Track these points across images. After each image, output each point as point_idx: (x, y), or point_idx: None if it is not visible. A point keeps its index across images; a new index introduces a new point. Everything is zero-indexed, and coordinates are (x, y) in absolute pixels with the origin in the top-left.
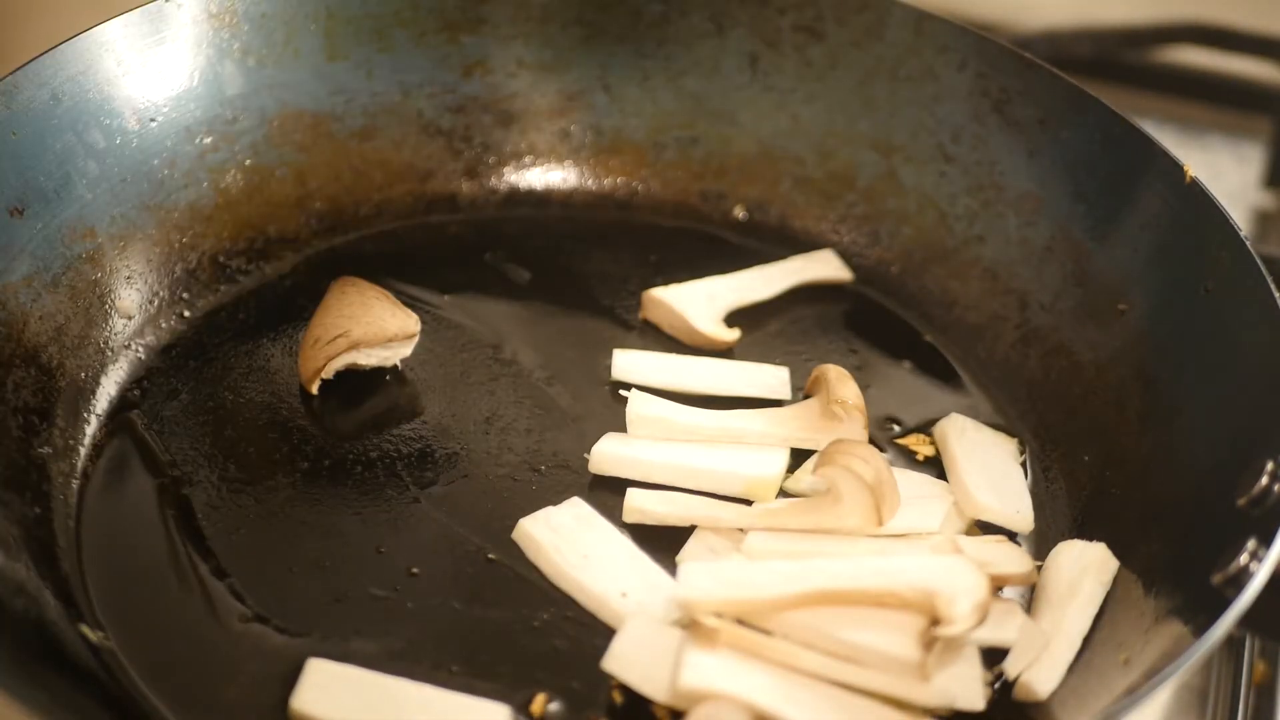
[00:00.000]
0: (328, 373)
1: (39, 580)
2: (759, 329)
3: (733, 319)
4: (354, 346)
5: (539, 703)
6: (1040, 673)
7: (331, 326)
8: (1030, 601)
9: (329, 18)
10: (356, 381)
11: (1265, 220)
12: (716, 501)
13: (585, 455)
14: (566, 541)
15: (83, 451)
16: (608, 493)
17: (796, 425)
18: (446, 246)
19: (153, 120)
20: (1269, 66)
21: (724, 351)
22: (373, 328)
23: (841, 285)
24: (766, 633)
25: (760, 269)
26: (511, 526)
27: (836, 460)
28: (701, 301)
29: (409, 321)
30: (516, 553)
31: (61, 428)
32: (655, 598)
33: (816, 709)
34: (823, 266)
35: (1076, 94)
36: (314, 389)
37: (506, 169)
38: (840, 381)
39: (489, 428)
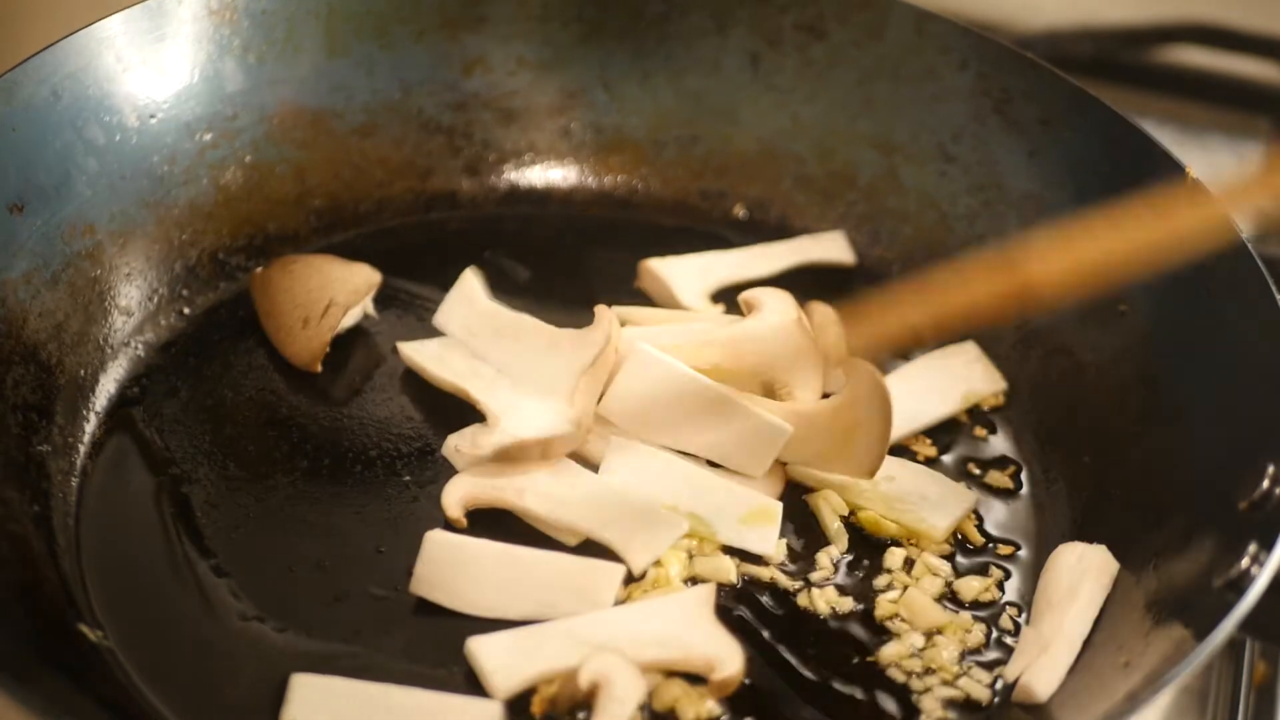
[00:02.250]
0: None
1: (38, 579)
2: None
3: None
4: (343, 311)
5: (539, 702)
6: (1040, 675)
7: (315, 302)
8: (1031, 604)
9: (329, 14)
10: (356, 381)
11: (1265, 220)
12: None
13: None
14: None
15: (82, 449)
16: None
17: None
18: (446, 244)
19: (153, 117)
20: (1269, 66)
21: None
22: (348, 287)
23: (842, 282)
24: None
25: (763, 246)
26: (509, 526)
27: (855, 363)
28: (693, 274)
29: (367, 270)
30: None
31: (61, 425)
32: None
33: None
34: (827, 247)
35: (1077, 94)
36: (318, 367)
37: (507, 167)
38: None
39: None
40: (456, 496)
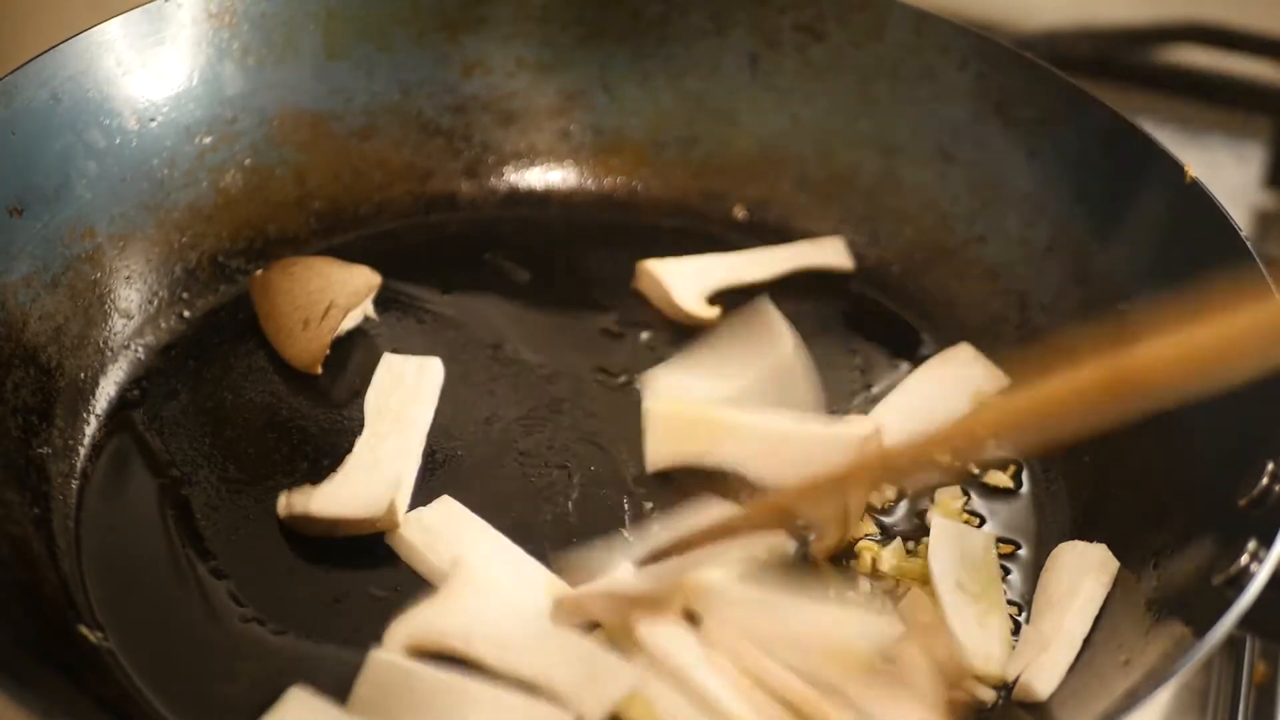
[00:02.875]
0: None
1: (38, 581)
2: None
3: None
4: (344, 313)
5: None
6: (1040, 674)
7: (315, 304)
8: (1031, 603)
9: (329, 17)
10: (356, 383)
11: (1265, 220)
12: None
13: (585, 457)
14: (440, 541)
15: (82, 452)
16: (608, 489)
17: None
18: (446, 246)
19: (152, 120)
20: (1269, 66)
21: None
22: (348, 289)
23: (841, 284)
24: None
25: (762, 250)
26: (511, 526)
27: (917, 639)
28: (690, 276)
29: (367, 272)
30: None
31: (61, 428)
32: (533, 590)
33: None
34: (825, 253)
35: (1076, 94)
36: (318, 369)
37: (506, 168)
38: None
39: (489, 428)
40: (399, 642)
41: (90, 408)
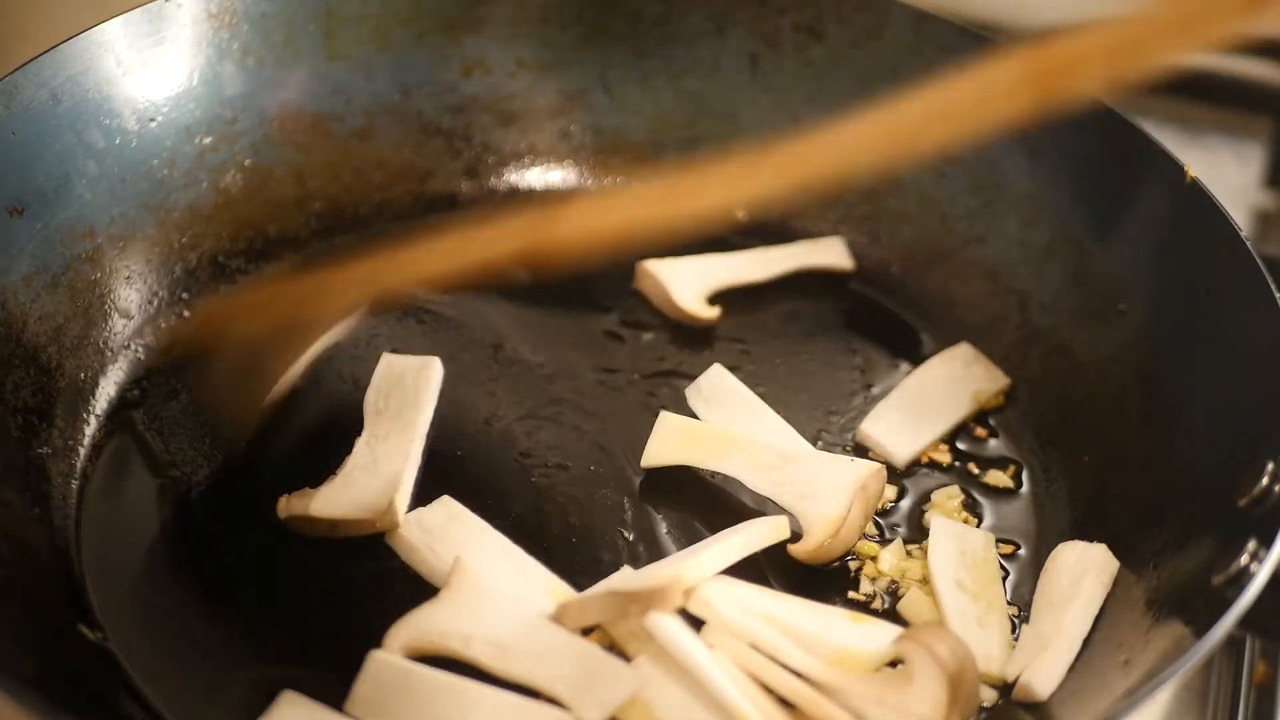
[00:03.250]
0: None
1: (38, 580)
2: (758, 332)
3: (730, 319)
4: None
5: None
6: (1040, 674)
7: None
8: (1031, 603)
9: (329, 17)
10: (356, 383)
11: (1265, 220)
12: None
13: (585, 457)
14: (440, 541)
15: (82, 452)
16: (608, 489)
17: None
18: None
19: (152, 120)
20: (1269, 66)
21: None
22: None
23: (841, 284)
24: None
25: (761, 250)
26: (511, 526)
27: (920, 639)
28: (690, 276)
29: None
30: None
31: (61, 428)
32: (534, 590)
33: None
34: (825, 253)
35: None
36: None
37: (506, 169)
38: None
39: (489, 428)
40: (399, 643)
41: (90, 408)
